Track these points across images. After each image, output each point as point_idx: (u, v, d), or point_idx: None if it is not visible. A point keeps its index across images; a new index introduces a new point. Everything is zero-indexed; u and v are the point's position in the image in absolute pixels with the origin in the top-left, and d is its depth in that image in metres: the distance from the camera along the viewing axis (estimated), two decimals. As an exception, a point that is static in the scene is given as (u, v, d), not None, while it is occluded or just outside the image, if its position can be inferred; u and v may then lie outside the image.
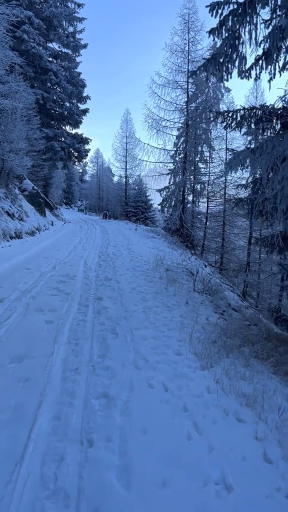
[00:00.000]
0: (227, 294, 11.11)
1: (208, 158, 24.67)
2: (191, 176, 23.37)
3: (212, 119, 8.18)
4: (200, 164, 24.75)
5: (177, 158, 23.81)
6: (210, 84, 24.43)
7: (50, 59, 24.42)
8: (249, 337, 5.95)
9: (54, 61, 24.59)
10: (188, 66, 21.92)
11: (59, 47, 25.01)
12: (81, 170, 71.49)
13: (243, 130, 8.01)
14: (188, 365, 4.19)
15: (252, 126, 7.77)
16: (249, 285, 22.14)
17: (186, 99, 22.27)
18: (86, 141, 26.99)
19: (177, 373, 3.95)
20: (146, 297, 6.87)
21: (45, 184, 26.95)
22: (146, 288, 7.61)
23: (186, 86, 22.13)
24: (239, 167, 5.97)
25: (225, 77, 5.57)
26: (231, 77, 5.58)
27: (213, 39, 5.41)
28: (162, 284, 8.24)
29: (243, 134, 7.81)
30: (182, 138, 24.44)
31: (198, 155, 24.14)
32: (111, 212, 36.70)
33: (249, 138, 9.62)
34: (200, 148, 23.86)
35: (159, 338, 4.94)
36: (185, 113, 22.24)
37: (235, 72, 5.48)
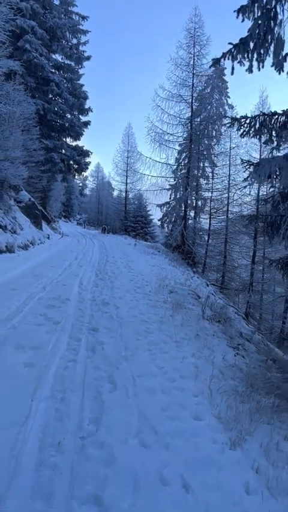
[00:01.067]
0: (233, 317, 9.98)
1: (210, 174, 23.81)
2: (193, 192, 22.42)
3: (228, 125, 7.09)
4: (202, 180, 23.82)
5: (178, 174, 22.96)
6: (213, 100, 23.78)
7: (53, 70, 23.67)
8: (274, 382, 4.81)
9: (57, 72, 23.83)
10: (193, 80, 21.30)
11: (62, 59, 24.31)
12: (81, 184, 70.77)
13: (263, 138, 7.06)
14: (213, 439, 3.01)
15: (273, 134, 6.79)
16: (252, 306, 21.00)
17: (190, 113, 21.55)
18: (86, 154, 26.09)
19: (200, 456, 2.77)
20: (149, 328, 5.72)
21: (43, 196, 25.91)
22: (149, 316, 6.46)
23: (190, 100, 21.44)
24: (264, 178, 4.92)
25: (255, 66, 4.56)
26: (263, 67, 4.56)
27: (242, 20, 4.35)
28: (168, 310, 7.10)
29: (263, 143, 6.79)
30: (184, 154, 23.65)
31: (200, 171, 23.29)
32: (110, 226, 35.69)
33: (269, 147, 8.63)
34: (201, 164, 23.03)
35: (169, 391, 3.77)
36: (189, 127, 21.47)
37: (269, 61, 4.45)
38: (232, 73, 4.73)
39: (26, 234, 13.94)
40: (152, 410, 3.33)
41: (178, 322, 6.42)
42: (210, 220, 23.79)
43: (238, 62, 4.56)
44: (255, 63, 4.49)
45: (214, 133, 22.93)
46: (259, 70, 4.57)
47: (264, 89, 21.34)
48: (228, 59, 4.58)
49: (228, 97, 29.04)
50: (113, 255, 15.13)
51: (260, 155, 20.91)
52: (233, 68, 4.71)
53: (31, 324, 5.27)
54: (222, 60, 4.69)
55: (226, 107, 27.72)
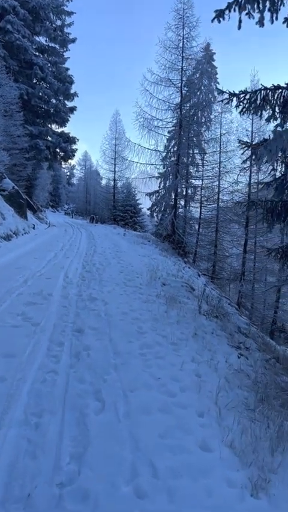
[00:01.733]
0: (230, 311, 9.38)
1: (200, 161, 23.09)
2: (183, 180, 21.67)
3: (225, 102, 6.32)
4: (192, 168, 23.07)
5: (167, 161, 22.18)
6: (202, 86, 22.97)
7: (36, 53, 22.50)
8: (286, 389, 4.20)
9: (41, 56, 22.67)
10: (182, 63, 20.37)
11: (46, 41, 23.11)
12: (68, 173, 69.44)
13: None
14: (228, 480, 2.33)
15: (277, 110, 6.13)
16: (244, 296, 20.52)
17: (179, 98, 20.69)
18: (72, 140, 25.04)
19: (213, 504, 2.12)
20: (142, 328, 5.04)
21: (28, 185, 24.84)
22: (141, 313, 5.78)
23: (180, 84, 20.55)
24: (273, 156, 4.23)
25: (267, 18, 3.82)
26: (276, 19, 3.83)
27: None
28: (161, 305, 6.43)
29: (266, 120, 6.11)
30: (174, 141, 22.86)
31: (190, 159, 22.53)
32: (99, 216, 34.76)
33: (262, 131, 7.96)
34: (191, 151, 22.27)
35: (169, 409, 3.10)
36: (178, 113, 20.64)
37: (283, 12, 3.71)
38: (239, 27, 3.95)
39: (9, 223, 13.11)
40: (148, 437, 2.67)
41: (173, 319, 5.75)
42: (200, 209, 23.15)
43: (246, 14, 3.80)
44: (267, 14, 3.76)
45: (203, 120, 22.20)
46: (272, 22, 3.84)
47: (256, 73, 20.62)
48: (235, 10, 3.84)
49: (218, 83, 28.16)
50: (102, 245, 14.38)
51: (252, 141, 20.26)
52: (240, 21, 3.93)
53: (6, 325, 4.56)
54: (226, 12, 3.93)
55: (215, 93, 27.02)
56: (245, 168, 20.39)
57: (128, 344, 4.36)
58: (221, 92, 6.52)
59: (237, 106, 6.57)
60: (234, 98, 6.52)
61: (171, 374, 3.74)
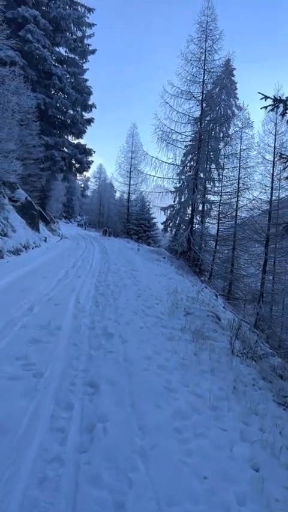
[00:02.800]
0: (264, 349, 8.24)
1: (218, 177, 22.17)
2: (200, 195, 20.72)
3: (269, 109, 5.33)
4: (209, 183, 22.15)
5: (184, 176, 21.29)
6: (221, 102, 22.24)
7: (56, 63, 21.96)
8: None
9: (60, 66, 22.12)
10: (204, 76, 19.61)
11: (65, 52, 22.58)
12: (82, 185, 69.24)
13: None
14: None
15: None
16: (262, 318, 19.26)
17: (200, 111, 19.87)
18: (89, 152, 24.33)
19: None
20: (171, 382, 3.95)
21: (42, 196, 24.12)
22: (167, 357, 4.71)
23: (200, 97, 19.75)
24: None
25: None
26: None
27: None
28: (188, 344, 5.37)
29: None
30: (190, 155, 22.04)
31: (206, 174, 21.65)
32: (112, 229, 33.92)
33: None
34: (208, 167, 21.40)
35: None
36: (198, 126, 19.80)
37: None
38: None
39: (19, 236, 12.23)
40: None
41: (206, 365, 4.67)
42: (218, 226, 22.07)
43: None
44: None
45: (221, 135, 21.36)
46: None
47: (280, 87, 19.70)
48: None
49: (237, 98, 27.50)
50: (115, 261, 13.41)
51: (274, 157, 19.27)
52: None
53: (2, 377, 3.54)
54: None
55: (234, 109, 26.23)
56: (266, 185, 19.38)
57: (156, 411, 3.28)
58: (265, 97, 5.55)
59: (283, 114, 5.60)
60: (281, 105, 5.55)
61: (220, 468, 2.63)
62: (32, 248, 13.15)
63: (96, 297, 7.53)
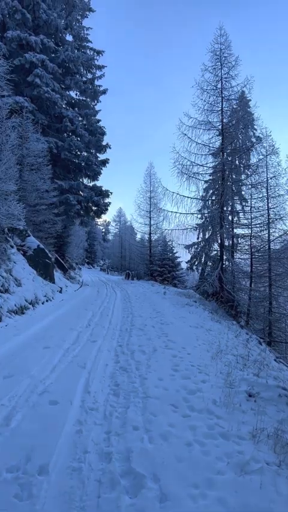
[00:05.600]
0: None
1: (246, 208, 19.95)
2: (230, 229, 18.44)
3: None
4: (236, 216, 19.99)
5: (206, 211, 19.21)
6: (239, 134, 20.51)
7: (67, 107, 20.94)
8: None
9: (71, 109, 21.06)
10: (222, 105, 17.99)
11: (76, 94, 21.64)
12: (103, 230, 68.52)
13: None
14: None
15: None
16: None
17: (221, 141, 18.06)
18: (105, 194, 22.68)
19: None
20: None
21: (60, 243, 22.33)
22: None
23: (220, 126, 18.00)
24: None
25: None
26: None
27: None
28: (275, 476, 2.90)
29: None
30: (211, 190, 20.10)
31: (230, 207, 19.56)
32: (135, 271, 31.71)
33: None
34: (230, 201, 19.30)
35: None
36: (221, 156, 17.90)
37: None
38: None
39: (26, 290, 10.11)
40: None
41: None
42: (251, 261, 19.51)
43: None
44: None
45: (242, 168, 19.38)
46: None
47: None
48: None
49: (255, 129, 25.76)
50: (140, 312, 11.06)
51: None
52: None
53: None
54: None
55: (253, 139, 24.42)
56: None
57: None
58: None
59: None
60: None
61: None
62: (42, 303, 10.98)
63: (116, 377, 5.14)
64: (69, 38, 21.32)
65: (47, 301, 11.45)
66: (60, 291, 14.37)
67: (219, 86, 17.94)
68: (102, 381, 4.97)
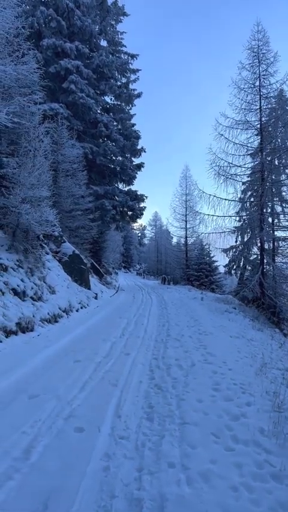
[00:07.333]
0: None
1: (282, 210, 18.91)
2: (270, 231, 17.48)
3: None
4: (276, 218, 18.98)
5: (244, 214, 18.35)
6: (278, 133, 19.46)
7: (102, 112, 20.85)
8: None
9: (106, 114, 20.93)
10: (260, 103, 17.14)
11: (111, 99, 21.54)
12: (139, 234, 68.44)
13: None
14: None
15: None
16: None
17: (259, 140, 17.20)
18: (141, 198, 22.36)
19: None
20: None
21: (97, 248, 22.24)
22: None
23: (259, 125, 17.15)
24: None
25: None
26: None
27: None
28: None
29: None
30: (249, 192, 19.19)
31: (270, 209, 18.57)
32: (171, 276, 31.13)
33: None
34: (269, 202, 18.30)
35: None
36: (260, 156, 17.04)
37: None
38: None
39: (60, 298, 9.88)
40: None
41: None
42: (296, 265, 18.40)
43: None
44: None
45: (282, 168, 18.31)
46: None
47: None
48: None
49: (294, 129, 24.52)
50: (177, 320, 10.53)
51: None
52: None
53: None
54: None
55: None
56: None
57: None
58: None
59: None
60: None
61: None
62: (77, 310, 10.71)
63: (150, 397, 4.65)
64: (103, 43, 21.33)
65: (81, 308, 11.18)
66: (96, 297, 14.11)
67: (257, 84, 17.17)
68: (135, 402, 4.50)
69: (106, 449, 3.33)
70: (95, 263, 20.32)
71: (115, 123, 20.83)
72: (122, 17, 22.43)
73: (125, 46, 21.90)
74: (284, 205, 19.12)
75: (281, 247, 19.02)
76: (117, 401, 4.41)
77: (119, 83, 21.10)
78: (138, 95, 21.57)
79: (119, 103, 21.55)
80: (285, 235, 18.99)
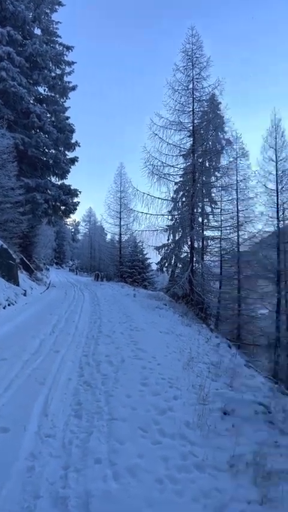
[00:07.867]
0: None
1: (216, 210, 19.85)
2: (200, 231, 18.19)
3: None
4: (205, 218, 19.79)
5: (176, 213, 18.88)
6: (209, 136, 20.33)
7: (34, 102, 20.03)
8: None
9: (39, 105, 20.14)
10: (193, 105, 17.72)
11: (44, 90, 20.76)
12: (73, 230, 67.15)
13: None
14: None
15: None
16: (280, 367, 16.12)
17: (192, 142, 17.79)
18: (74, 193, 21.90)
19: None
20: None
21: (27, 243, 21.28)
22: None
23: (191, 127, 17.73)
24: None
25: None
26: None
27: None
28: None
29: None
30: (181, 192, 19.77)
31: (200, 209, 19.32)
32: (104, 272, 31.02)
33: None
34: (201, 201, 19.06)
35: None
36: (192, 157, 17.63)
37: None
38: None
39: (-15, 294, 9.32)
40: None
41: None
42: (221, 263, 19.39)
43: None
44: None
45: (212, 170, 19.15)
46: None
47: (277, 111, 17.86)
48: None
49: (225, 132, 25.71)
50: (109, 316, 10.51)
51: (277, 186, 17.03)
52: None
53: None
54: None
55: (223, 142, 24.37)
56: (270, 216, 17.02)
57: None
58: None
59: None
60: None
61: None
62: (4, 307, 10.22)
63: (79, 394, 4.60)
64: (37, 31, 20.44)
65: (9, 305, 10.68)
66: (25, 294, 13.56)
67: (190, 86, 17.65)
68: (63, 399, 4.42)
69: (32, 449, 3.23)
70: (24, 258, 19.52)
71: (48, 115, 20.13)
72: (57, 7, 21.68)
73: (60, 37, 21.25)
74: (213, 205, 20.06)
75: (209, 246, 19.96)
76: (45, 399, 4.29)
77: (53, 74, 20.41)
78: (73, 88, 21.01)
79: (53, 94, 20.85)
80: (213, 234, 19.98)
